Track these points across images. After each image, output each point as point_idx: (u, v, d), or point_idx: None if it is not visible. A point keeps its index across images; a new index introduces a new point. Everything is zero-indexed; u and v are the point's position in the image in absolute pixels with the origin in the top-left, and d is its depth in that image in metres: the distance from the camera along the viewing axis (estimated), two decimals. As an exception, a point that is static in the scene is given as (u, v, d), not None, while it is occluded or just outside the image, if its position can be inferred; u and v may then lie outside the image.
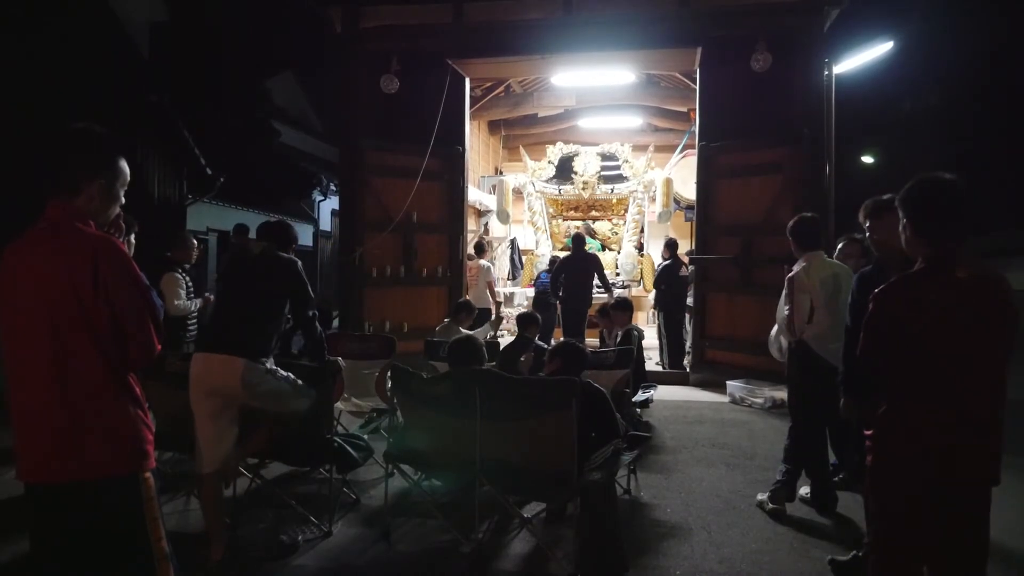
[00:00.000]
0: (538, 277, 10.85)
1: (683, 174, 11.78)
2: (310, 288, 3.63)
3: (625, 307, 6.26)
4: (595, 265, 8.72)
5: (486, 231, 13.82)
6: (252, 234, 7.28)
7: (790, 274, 4.15)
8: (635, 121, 14.04)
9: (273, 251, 3.61)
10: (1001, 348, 2.13)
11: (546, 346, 5.07)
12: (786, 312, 4.13)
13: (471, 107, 9.90)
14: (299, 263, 3.61)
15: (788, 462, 4.21)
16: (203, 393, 3.34)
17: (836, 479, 4.35)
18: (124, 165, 2.10)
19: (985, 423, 2.10)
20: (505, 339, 8.46)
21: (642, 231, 12.59)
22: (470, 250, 9.35)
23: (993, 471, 2.13)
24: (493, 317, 7.18)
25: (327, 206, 18.54)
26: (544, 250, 12.34)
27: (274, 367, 3.47)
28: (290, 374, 3.55)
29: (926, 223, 2.17)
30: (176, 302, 5.53)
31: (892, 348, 2.16)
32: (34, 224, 2.00)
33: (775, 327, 4.44)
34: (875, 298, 2.21)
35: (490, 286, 9.12)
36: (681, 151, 13.07)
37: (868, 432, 2.24)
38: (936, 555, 2.15)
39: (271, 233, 3.76)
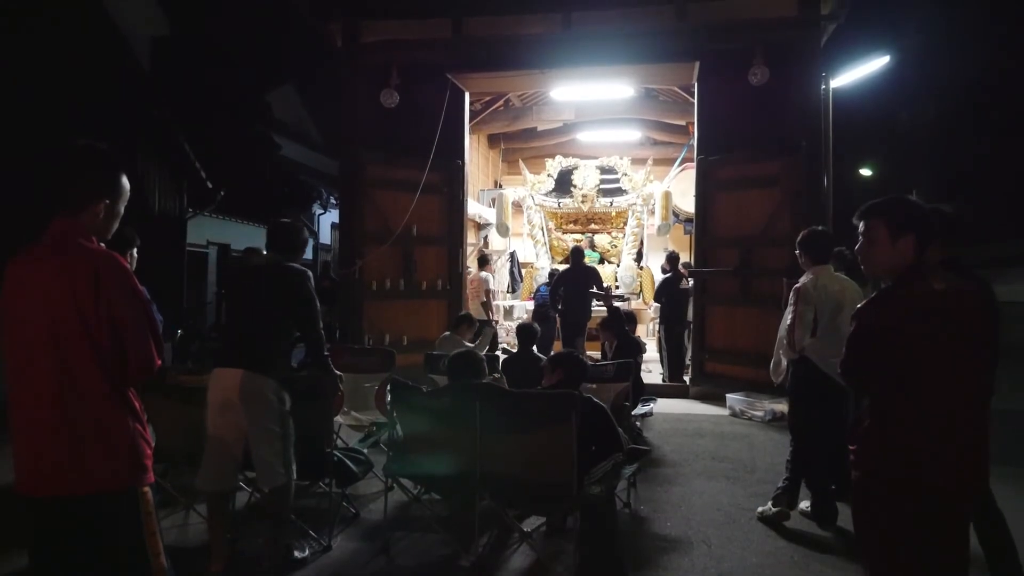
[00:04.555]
0: (537, 290, 10.87)
1: (682, 187, 11.81)
2: (318, 302, 3.53)
3: (607, 325, 6.35)
4: (594, 278, 8.73)
5: (486, 244, 13.84)
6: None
7: (797, 284, 4.15)
8: (634, 134, 14.09)
9: (279, 262, 3.48)
10: (981, 357, 2.15)
11: (542, 357, 5.06)
12: (788, 322, 4.13)
13: (471, 121, 9.94)
14: (309, 275, 3.50)
15: (790, 472, 4.22)
16: (218, 407, 3.34)
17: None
18: (126, 182, 2.12)
19: (968, 433, 2.11)
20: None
21: (641, 244, 12.61)
22: (471, 263, 9.41)
23: (977, 481, 2.14)
24: (492, 330, 7.22)
25: (327, 219, 18.60)
26: (543, 263, 12.35)
27: (286, 403, 3.42)
28: (290, 433, 3.43)
29: (905, 236, 2.20)
30: None
31: (874, 362, 2.17)
32: (37, 239, 2.01)
33: (775, 355, 4.38)
34: (856, 315, 2.22)
35: (487, 296, 9.13)
36: (680, 164, 13.12)
37: (852, 447, 2.25)
38: (922, 567, 2.14)
39: (277, 241, 3.58)
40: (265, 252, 3.67)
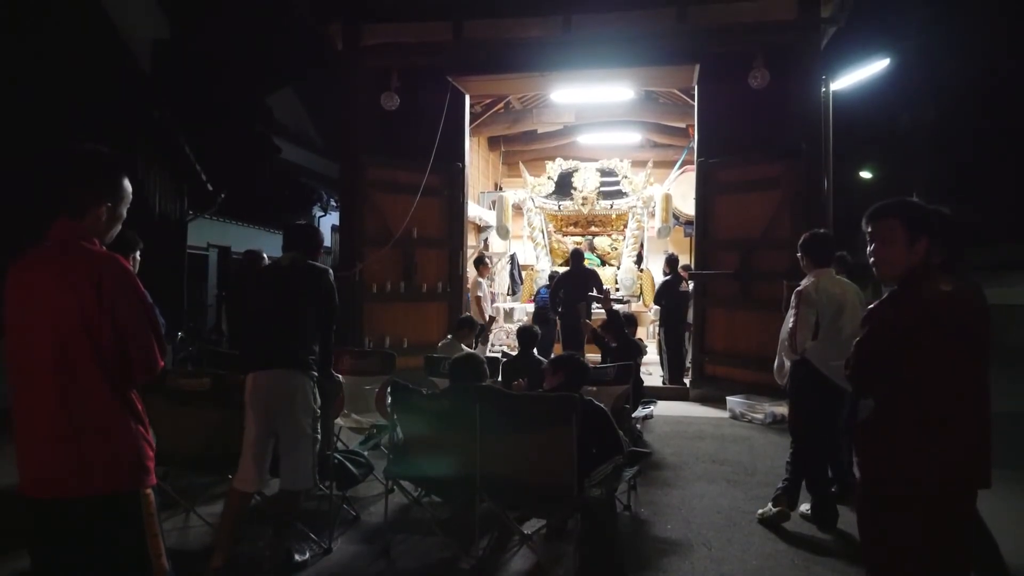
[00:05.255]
0: (538, 292, 10.87)
1: (682, 189, 11.82)
2: (337, 298, 3.61)
3: (607, 327, 6.38)
4: (594, 281, 8.73)
5: (486, 246, 13.85)
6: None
7: (798, 287, 4.15)
8: (634, 137, 14.10)
9: (304, 261, 3.56)
10: (982, 359, 2.16)
11: (543, 360, 5.06)
12: (790, 325, 4.13)
13: (471, 123, 9.96)
14: (331, 273, 3.59)
15: (790, 472, 4.22)
16: (259, 410, 3.37)
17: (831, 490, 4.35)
18: (128, 185, 2.13)
19: (971, 434, 2.11)
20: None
21: (642, 246, 12.62)
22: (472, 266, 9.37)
23: (979, 482, 2.14)
24: (479, 332, 7.12)
25: (327, 222, 18.62)
26: (544, 265, 12.35)
27: (319, 405, 3.47)
28: (318, 436, 3.49)
29: (922, 237, 2.20)
30: None
31: (883, 363, 2.17)
32: (40, 242, 2.02)
33: (778, 358, 4.38)
34: (868, 315, 2.23)
35: (478, 301, 9.07)
36: (680, 167, 13.13)
37: (856, 449, 2.25)
38: (924, 568, 2.14)
39: (298, 241, 3.65)
40: (284, 253, 3.65)
